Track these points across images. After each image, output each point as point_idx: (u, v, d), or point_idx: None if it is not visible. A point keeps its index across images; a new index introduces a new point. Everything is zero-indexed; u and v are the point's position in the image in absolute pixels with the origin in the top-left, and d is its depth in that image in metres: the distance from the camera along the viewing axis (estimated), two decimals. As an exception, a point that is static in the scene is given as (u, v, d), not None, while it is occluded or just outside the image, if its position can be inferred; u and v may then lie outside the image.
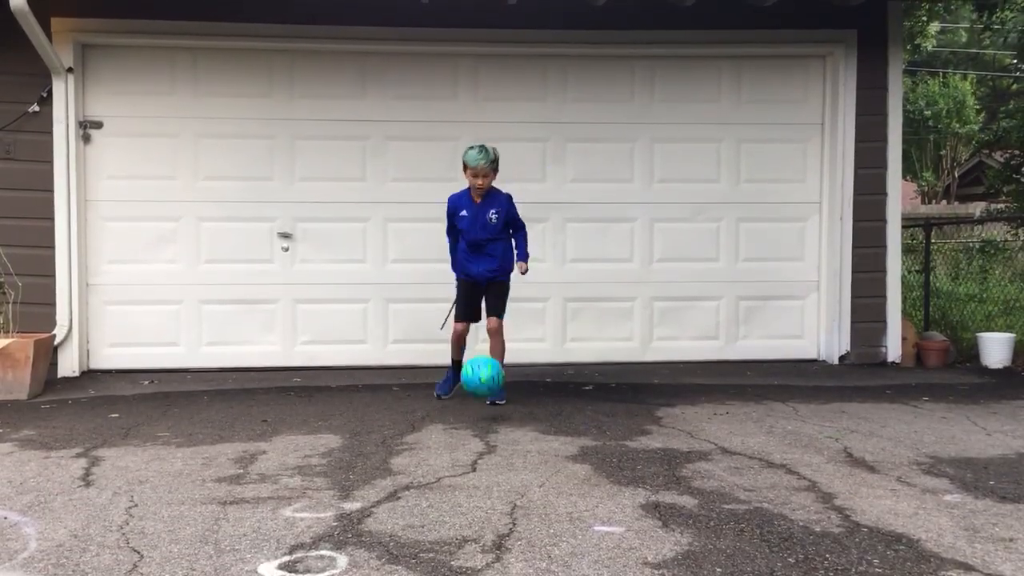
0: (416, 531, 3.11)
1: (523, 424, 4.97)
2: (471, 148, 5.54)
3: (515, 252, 5.72)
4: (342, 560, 2.84)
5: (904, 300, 7.70)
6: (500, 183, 5.57)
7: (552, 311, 7.11)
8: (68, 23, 6.50)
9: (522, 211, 5.72)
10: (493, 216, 5.60)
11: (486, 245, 5.61)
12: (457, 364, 5.67)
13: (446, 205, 5.72)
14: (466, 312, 5.70)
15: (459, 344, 5.75)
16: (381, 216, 6.95)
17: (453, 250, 5.82)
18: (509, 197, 5.70)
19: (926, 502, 3.45)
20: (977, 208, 17.50)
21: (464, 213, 5.62)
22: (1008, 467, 4.02)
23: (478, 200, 5.59)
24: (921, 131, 23.93)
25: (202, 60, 6.82)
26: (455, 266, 5.81)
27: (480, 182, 5.52)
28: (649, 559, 2.83)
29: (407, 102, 6.96)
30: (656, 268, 7.19)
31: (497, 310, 5.64)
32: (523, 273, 5.70)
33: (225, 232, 6.87)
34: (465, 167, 5.57)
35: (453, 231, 5.76)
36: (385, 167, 6.97)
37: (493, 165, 5.55)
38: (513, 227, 5.72)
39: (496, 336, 5.61)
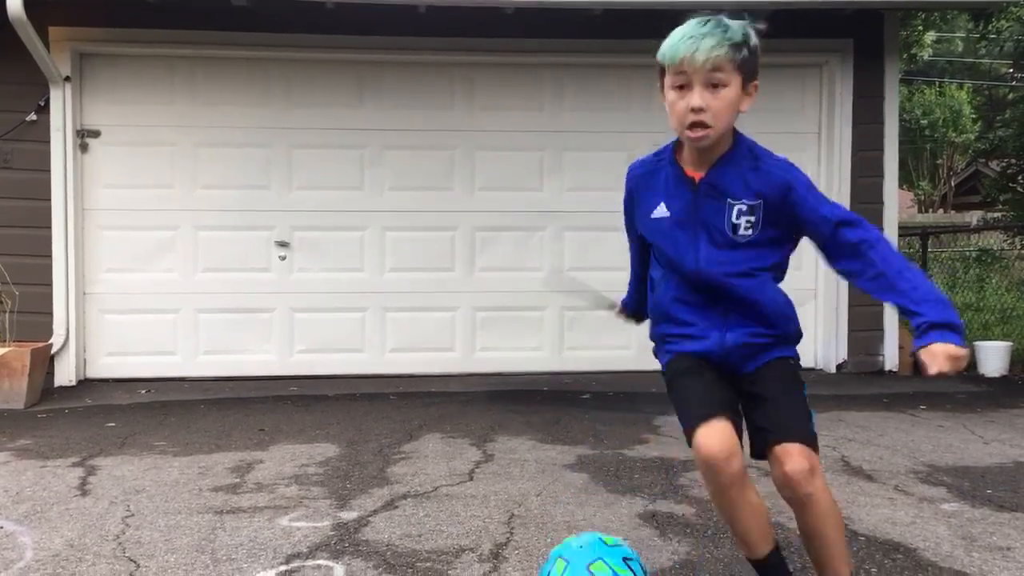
0: (413, 540, 3.10)
1: (520, 433, 4.96)
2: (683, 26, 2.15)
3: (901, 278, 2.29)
4: (339, 570, 2.83)
5: (901, 308, 7.69)
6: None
7: (549, 320, 7.10)
8: (66, 32, 6.50)
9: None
10: (744, 220, 2.27)
11: (725, 286, 2.34)
12: (766, 566, 2.38)
13: (624, 187, 2.46)
14: (719, 403, 2.39)
15: (740, 495, 2.35)
16: (379, 225, 6.95)
17: (639, 287, 2.64)
18: (789, 166, 2.28)
19: (924, 511, 3.45)
20: (974, 217, 17.55)
21: (663, 211, 2.32)
22: (1005, 476, 4.01)
23: (698, 175, 2.27)
24: (918, 140, 24.03)
25: (200, 69, 6.82)
26: (655, 328, 2.46)
27: (699, 102, 2.11)
28: (647, 568, 2.82)
29: (404, 111, 6.96)
30: (653, 277, 7.17)
31: (796, 425, 2.27)
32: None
33: (222, 241, 6.86)
34: (662, 73, 2.21)
35: (637, 246, 2.57)
36: (382, 176, 6.97)
37: (736, 53, 2.11)
38: (830, 230, 2.33)
39: (811, 497, 2.22)
